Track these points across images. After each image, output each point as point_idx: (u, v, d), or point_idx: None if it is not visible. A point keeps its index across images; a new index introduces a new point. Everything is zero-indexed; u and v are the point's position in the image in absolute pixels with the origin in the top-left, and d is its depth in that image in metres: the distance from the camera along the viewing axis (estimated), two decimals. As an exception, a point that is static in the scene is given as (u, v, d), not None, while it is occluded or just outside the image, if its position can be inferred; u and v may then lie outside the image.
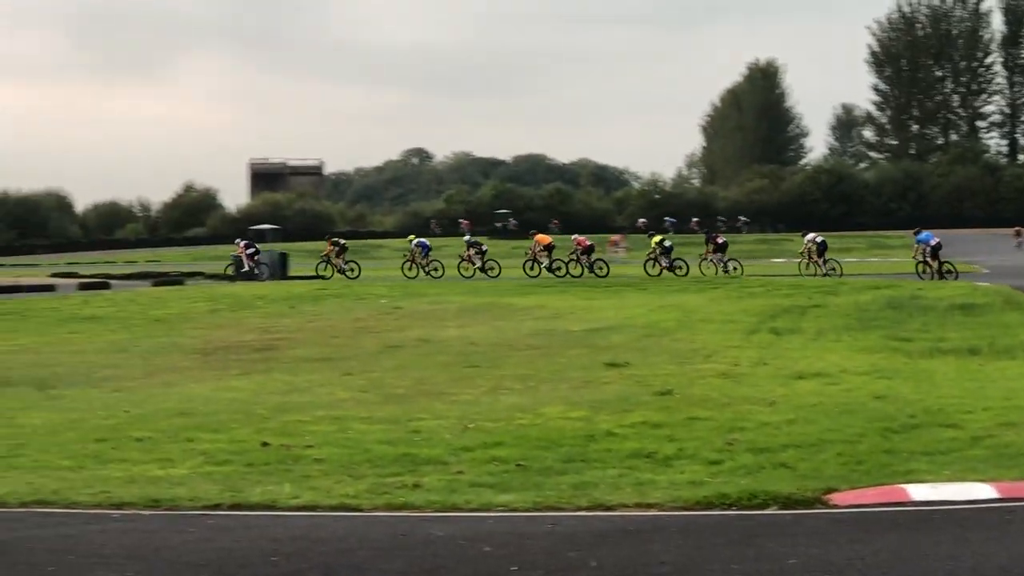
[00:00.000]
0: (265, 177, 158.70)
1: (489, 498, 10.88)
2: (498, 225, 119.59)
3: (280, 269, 55.49)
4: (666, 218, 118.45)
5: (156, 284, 51.68)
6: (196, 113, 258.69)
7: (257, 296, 39.23)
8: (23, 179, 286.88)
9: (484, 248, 55.66)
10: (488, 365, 21.42)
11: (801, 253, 50.09)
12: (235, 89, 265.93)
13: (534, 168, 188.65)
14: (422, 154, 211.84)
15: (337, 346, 25.45)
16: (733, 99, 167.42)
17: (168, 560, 8.94)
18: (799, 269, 48.92)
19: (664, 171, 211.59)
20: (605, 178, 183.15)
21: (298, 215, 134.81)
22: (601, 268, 52.04)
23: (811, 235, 50.44)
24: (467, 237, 60.30)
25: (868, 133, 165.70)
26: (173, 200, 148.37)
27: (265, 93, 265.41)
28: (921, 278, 44.89)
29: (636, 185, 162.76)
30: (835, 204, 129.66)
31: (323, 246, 57.42)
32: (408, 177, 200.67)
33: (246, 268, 54.88)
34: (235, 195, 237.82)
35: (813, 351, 22.57)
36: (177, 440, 13.98)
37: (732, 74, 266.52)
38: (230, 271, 55.72)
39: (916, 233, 48.24)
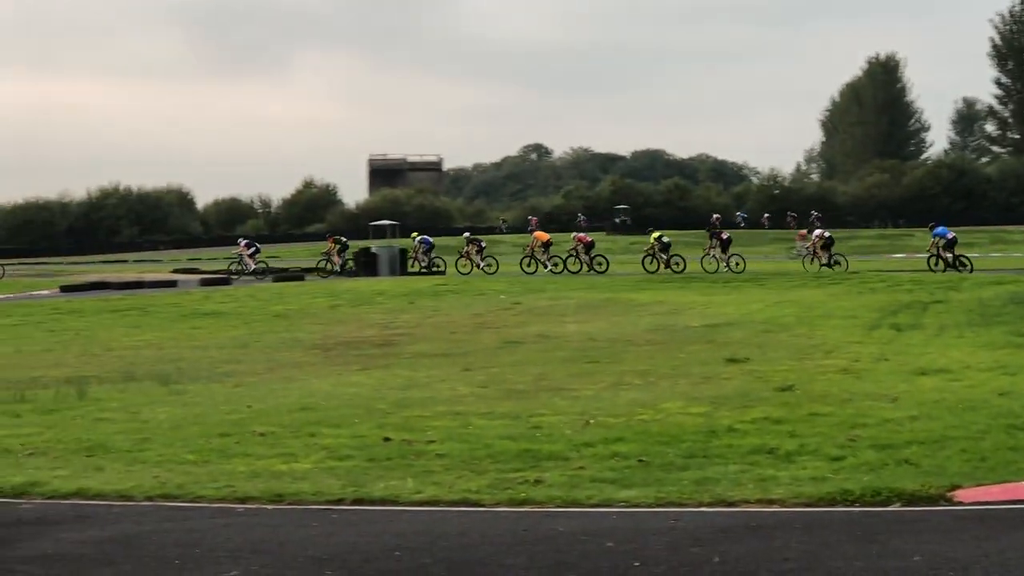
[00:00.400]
0: (384, 173, 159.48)
1: (610, 494, 10.85)
2: (616, 221, 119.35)
3: (399, 265, 55.81)
4: (788, 213, 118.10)
5: (276, 280, 52.11)
6: (316, 109, 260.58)
7: (377, 292, 39.51)
8: (146, 176, 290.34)
9: (483, 244, 57.64)
10: (608, 360, 21.39)
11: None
12: (355, 86, 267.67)
13: (652, 163, 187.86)
14: (540, 150, 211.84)
15: (457, 342, 25.53)
16: (853, 94, 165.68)
17: (292, 554, 9.00)
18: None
19: (783, 166, 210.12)
20: (724, 173, 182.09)
21: (417, 211, 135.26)
22: (600, 264, 53.87)
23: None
24: (466, 234, 61.37)
25: (990, 127, 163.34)
26: (293, 196, 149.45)
27: (385, 89, 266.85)
28: (933, 271, 46.50)
29: (755, 180, 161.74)
30: (956, 199, 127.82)
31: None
32: (526, 173, 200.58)
33: (252, 268, 58.01)
34: (354, 191, 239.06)
35: (935, 347, 22.30)
36: (299, 435, 14.08)
37: (851, 68, 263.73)
38: (233, 268, 58.79)
39: (932, 228, 49.78)
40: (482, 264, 55.76)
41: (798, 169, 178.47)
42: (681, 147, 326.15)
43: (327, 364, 22.17)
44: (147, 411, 16.29)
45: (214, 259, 77.01)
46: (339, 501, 10.80)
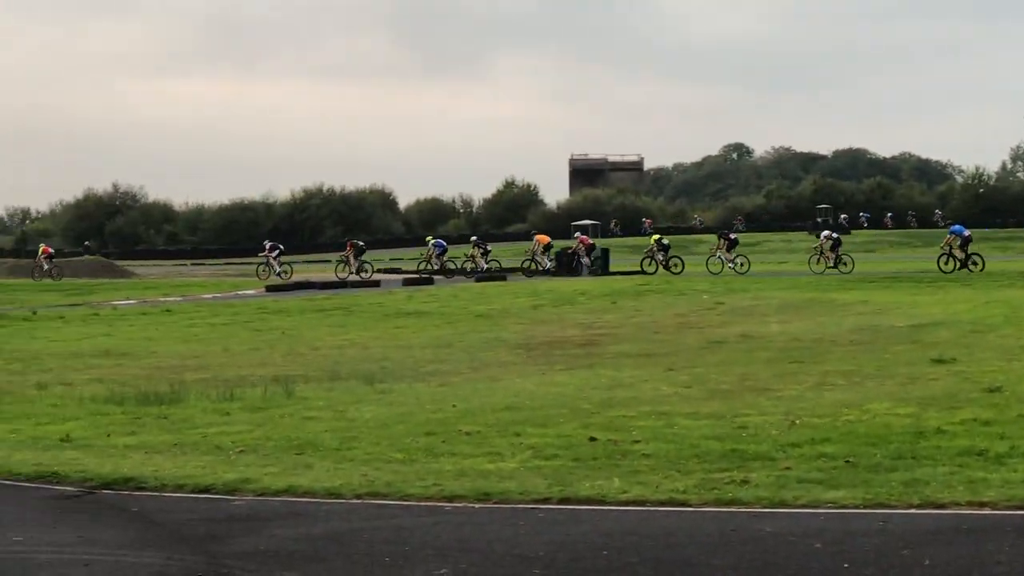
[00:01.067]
0: (585, 173, 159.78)
1: (817, 495, 10.73)
2: (819, 220, 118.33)
3: (602, 265, 55.89)
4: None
5: (479, 280, 52.46)
6: (517, 109, 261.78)
7: (579, 292, 39.58)
8: (350, 176, 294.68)
9: (488, 248, 60.93)
10: (811, 361, 21.17)
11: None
12: (555, 85, 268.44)
13: (854, 162, 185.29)
14: (741, 149, 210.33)
15: (659, 342, 25.47)
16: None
17: (500, 553, 9.05)
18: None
19: (989, 164, 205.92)
20: (927, 172, 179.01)
21: (618, 211, 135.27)
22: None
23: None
24: (474, 237, 65.82)
25: None
26: (494, 196, 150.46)
27: (585, 89, 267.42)
28: (942, 270, 48.68)
29: (959, 179, 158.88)
30: None
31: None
32: (727, 172, 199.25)
33: (278, 271, 61.08)
34: (555, 191, 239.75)
35: None
36: (505, 434, 14.14)
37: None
38: (261, 272, 61.54)
39: (949, 225, 52.42)
40: (486, 265, 59.89)
41: (1004, 167, 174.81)
42: (883, 146, 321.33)
43: (530, 364, 22.26)
44: (353, 410, 16.49)
45: (416, 258, 77.69)
46: (545, 500, 10.83)
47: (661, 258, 56.11)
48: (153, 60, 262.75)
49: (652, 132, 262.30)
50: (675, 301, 35.77)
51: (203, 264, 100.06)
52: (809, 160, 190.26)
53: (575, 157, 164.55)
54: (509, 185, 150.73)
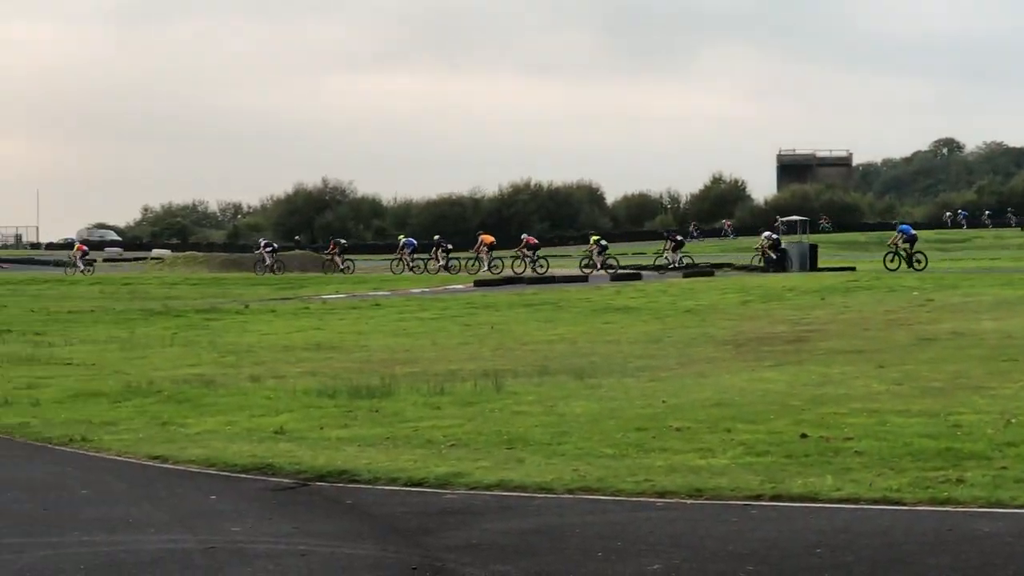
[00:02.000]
0: (792, 168, 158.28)
1: (1037, 495, 10.51)
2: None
3: (809, 261, 55.41)
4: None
5: (686, 275, 52.27)
6: (723, 104, 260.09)
7: (787, 288, 39.23)
8: (557, 171, 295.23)
9: (450, 247, 65.92)
10: (1028, 359, 20.72)
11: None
12: (762, 80, 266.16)
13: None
14: (951, 144, 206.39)
15: (869, 338, 25.14)
16: None
17: (712, 549, 9.02)
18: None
19: None
20: None
21: (826, 206, 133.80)
22: (542, 266, 61.23)
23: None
24: (436, 236, 70.68)
25: None
26: (701, 192, 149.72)
27: (792, 84, 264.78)
28: (888, 268, 51.58)
29: None
30: None
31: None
32: (937, 168, 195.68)
33: (267, 263, 67.20)
34: (762, 186, 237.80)
35: None
36: (715, 430, 14.07)
37: None
38: (259, 270, 67.12)
39: (897, 225, 59.40)
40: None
41: None
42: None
43: (739, 360, 22.12)
44: (563, 405, 16.53)
45: (623, 254, 77.68)
46: (757, 497, 10.75)
47: (599, 260, 60.96)
48: (361, 57, 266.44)
49: (860, 127, 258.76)
50: (884, 298, 35.26)
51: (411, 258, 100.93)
52: (1022, 155, 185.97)
53: (783, 152, 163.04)
54: (716, 181, 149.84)
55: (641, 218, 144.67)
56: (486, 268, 62.48)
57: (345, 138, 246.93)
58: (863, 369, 20.00)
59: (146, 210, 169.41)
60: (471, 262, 65.30)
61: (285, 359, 23.92)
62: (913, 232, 54.87)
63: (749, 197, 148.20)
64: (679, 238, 63.91)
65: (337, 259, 68.70)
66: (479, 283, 51.67)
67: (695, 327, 28.90)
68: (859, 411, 15.25)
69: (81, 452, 14.38)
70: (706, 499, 10.79)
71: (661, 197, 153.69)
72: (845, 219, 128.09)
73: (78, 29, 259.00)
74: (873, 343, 24.12)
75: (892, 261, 52.48)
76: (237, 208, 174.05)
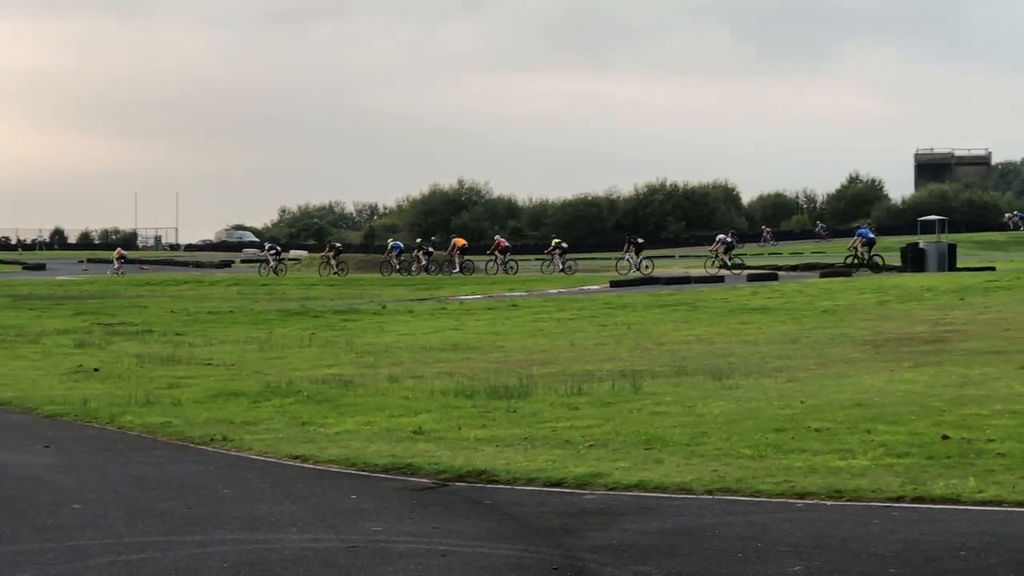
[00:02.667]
0: (930, 168, 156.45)
1: None
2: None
3: (948, 261, 54.77)
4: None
5: (823, 276, 51.83)
6: (861, 103, 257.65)
7: (925, 288, 38.76)
8: (692, 171, 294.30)
9: (431, 251, 71.68)
10: None
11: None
12: (902, 78, 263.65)
13: None
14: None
15: (1010, 339, 24.74)
16: None
17: (855, 551, 8.95)
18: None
19: None
20: None
21: (964, 206, 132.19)
22: (511, 268, 66.79)
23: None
24: (419, 240, 77.80)
25: None
26: (837, 191, 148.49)
27: (932, 82, 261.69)
28: (846, 265, 55.52)
29: None
30: None
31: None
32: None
33: (271, 264, 73.33)
34: (900, 186, 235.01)
35: None
36: (855, 431, 13.94)
37: None
38: (262, 271, 72.55)
39: (858, 228, 62.54)
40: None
41: None
42: None
43: (878, 360, 21.88)
44: (701, 405, 16.46)
45: (759, 254, 77.30)
46: (899, 499, 10.66)
47: (560, 263, 66.97)
48: (498, 58, 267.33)
49: (999, 126, 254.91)
50: (1028, 297, 34.73)
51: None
52: None
53: (920, 151, 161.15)
54: (853, 180, 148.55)
55: (777, 218, 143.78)
56: (457, 270, 67.60)
57: (481, 139, 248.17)
58: (1004, 370, 19.70)
59: (283, 211, 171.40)
60: (444, 264, 70.41)
61: (423, 359, 24.04)
62: (871, 236, 59.80)
63: (886, 196, 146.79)
64: (640, 241, 67.89)
65: (332, 261, 72.82)
66: (615, 283, 51.66)
67: (833, 327, 28.63)
68: (1001, 412, 15.04)
69: (222, 451, 14.57)
70: (846, 501, 10.72)
71: (797, 197, 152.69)
72: (984, 219, 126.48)
73: (219, 32, 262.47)
74: (1015, 343, 23.74)
75: (852, 261, 57.28)
76: (373, 209, 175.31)
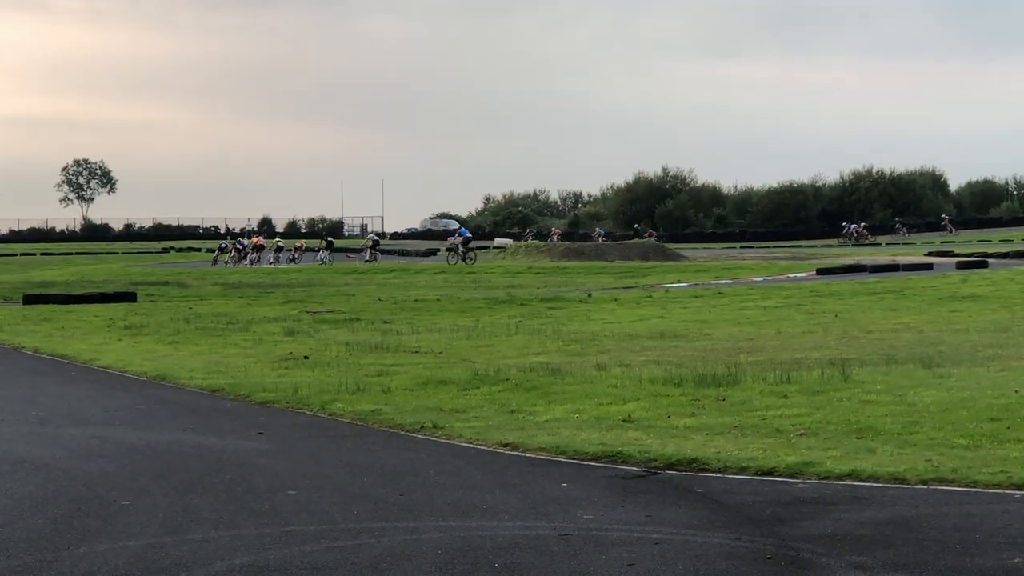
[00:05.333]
0: None
1: None
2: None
3: None
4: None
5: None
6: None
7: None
8: (899, 158, 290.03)
9: (378, 240, 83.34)
10: None
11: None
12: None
13: None
14: None
15: None
16: None
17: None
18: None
19: None
20: None
21: None
22: (471, 259, 70.72)
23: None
24: (371, 231, 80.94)
25: None
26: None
27: None
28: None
29: None
30: None
31: None
32: None
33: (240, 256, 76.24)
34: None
35: None
36: (1074, 423, 13.65)
37: None
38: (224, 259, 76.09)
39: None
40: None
41: None
42: None
43: (1095, 349, 21.39)
44: (912, 394, 16.21)
45: (968, 241, 75.97)
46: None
47: (462, 251, 71.68)
48: (700, 43, 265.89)
49: None
50: None
51: (751, 247, 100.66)
52: None
53: None
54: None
55: (986, 205, 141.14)
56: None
57: (686, 126, 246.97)
58: None
59: (488, 199, 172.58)
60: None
61: (629, 347, 24.02)
62: (863, 225, 61.97)
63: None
64: (468, 235, 76.27)
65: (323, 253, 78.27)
66: (821, 271, 51.12)
67: (1054, 315, 28.04)
68: None
69: (432, 439, 14.70)
70: (1068, 493, 10.50)
71: (1007, 183, 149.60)
72: None
73: (425, 20, 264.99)
74: None
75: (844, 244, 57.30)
76: (577, 197, 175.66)
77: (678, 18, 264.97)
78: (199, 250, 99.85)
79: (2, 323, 32.76)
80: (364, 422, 16.06)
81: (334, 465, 12.98)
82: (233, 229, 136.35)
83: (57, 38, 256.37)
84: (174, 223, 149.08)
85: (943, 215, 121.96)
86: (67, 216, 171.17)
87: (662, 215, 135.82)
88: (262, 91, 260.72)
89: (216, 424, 16.15)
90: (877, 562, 8.52)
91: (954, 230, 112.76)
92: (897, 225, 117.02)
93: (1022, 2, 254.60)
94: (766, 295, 37.51)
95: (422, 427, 15.29)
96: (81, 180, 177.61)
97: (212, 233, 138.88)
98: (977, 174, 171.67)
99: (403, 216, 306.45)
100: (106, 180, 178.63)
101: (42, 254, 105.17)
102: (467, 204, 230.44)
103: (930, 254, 67.57)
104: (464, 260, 70.46)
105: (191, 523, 10.20)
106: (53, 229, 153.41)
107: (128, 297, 41.08)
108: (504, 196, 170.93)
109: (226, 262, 75.54)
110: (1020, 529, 9.25)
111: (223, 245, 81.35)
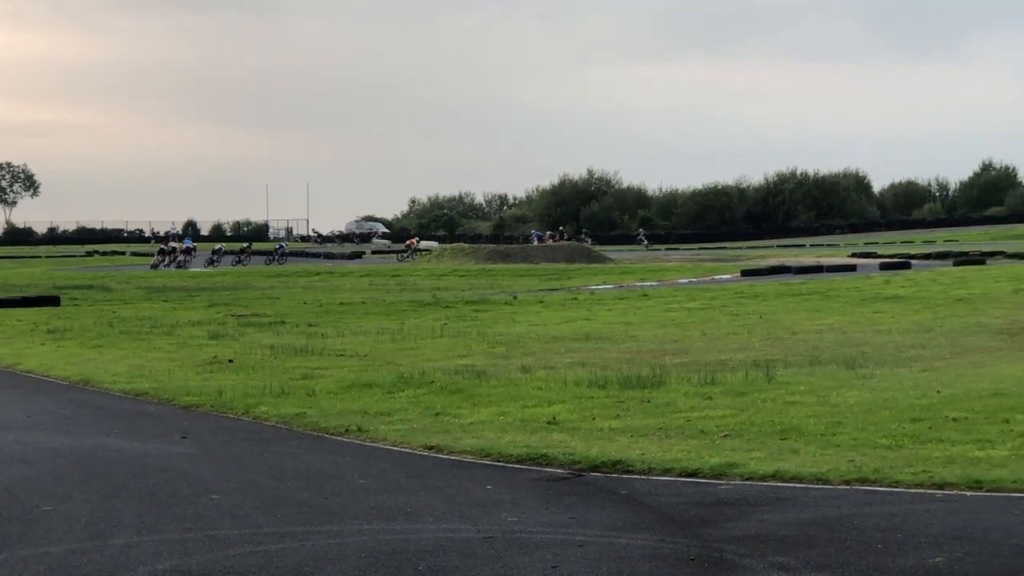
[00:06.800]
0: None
1: None
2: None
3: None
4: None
5: (957, 264, 51.27)
6: (995, 89, 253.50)
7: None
8: (822, 160, 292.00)
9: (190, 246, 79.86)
10: None
11: None
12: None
13: None
14: None
15: None
16: None
17: (996, 543, 8.84)
18: None
19: None
20: None
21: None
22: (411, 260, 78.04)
23: None
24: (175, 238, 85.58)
25: None
26: (970, 179, 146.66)
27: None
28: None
29: None
30: None
31: None
32: None
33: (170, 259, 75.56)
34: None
35: None
36: (993, 421, 13.77)
37: None
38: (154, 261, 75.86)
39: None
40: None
41: None
42: None
43: (1015, 349, 21.59)
44: (836, 395, 16.32)
45: (891, 243, 76.60)
46: (1039, 490, 10.52)
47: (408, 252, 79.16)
48: (626, 47, 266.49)
49: None
50: None
51: (677, 249, 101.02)
52: None
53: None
54: (987, 167, 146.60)
55: (909, 206, 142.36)
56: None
57: (610, 128, 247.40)
58: None
59: (413, 202, 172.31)
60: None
61: (554, 349, 24.05)
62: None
63: (1020, 183, 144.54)
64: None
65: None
66: (746, 273, 51.40)
67: (967, 316, 28.30)
68: None
69: (357, 442, 14.66)
70: (987, 491, 10.60)
71: (929, 185, 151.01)
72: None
73: (351, 22, 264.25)
74: None
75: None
76: (503, 199, 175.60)
77: (604, 20, 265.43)
78: (123, 253, 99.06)
79: (-78, 327, 32.41)
80: (289, 425, 16.00)
81: (258, 469, 12.91)
82: (158, 232, 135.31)
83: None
84: (98, 227, 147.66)
85: (639, 229, 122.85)
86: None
87: (587, 217, 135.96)
88: (187, 93, 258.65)
89: (140, 428, 16.03)
90: (800, 562, 8.56)
91: (647, 244, 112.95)
92: (640, 236, 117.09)
93: (944, 6, 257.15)
94: (691, 297, 37.66)
95: (347, 430, 15.25)
96: (3, 183, 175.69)
97: (137, 236, 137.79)
98: (900, 176, 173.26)
99: (329, 219, 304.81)
100: (29, 183, 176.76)
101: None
102: (393, 207, 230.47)
103: (854, 255, 68.06)
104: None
105: (114, 528, 10.11)
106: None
107: (51, 301, 40.66)
108: (429, 199, 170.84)
109: (154, 265, 75.01)
110: (941, 528, 9.32)
111: (164, 248, 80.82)
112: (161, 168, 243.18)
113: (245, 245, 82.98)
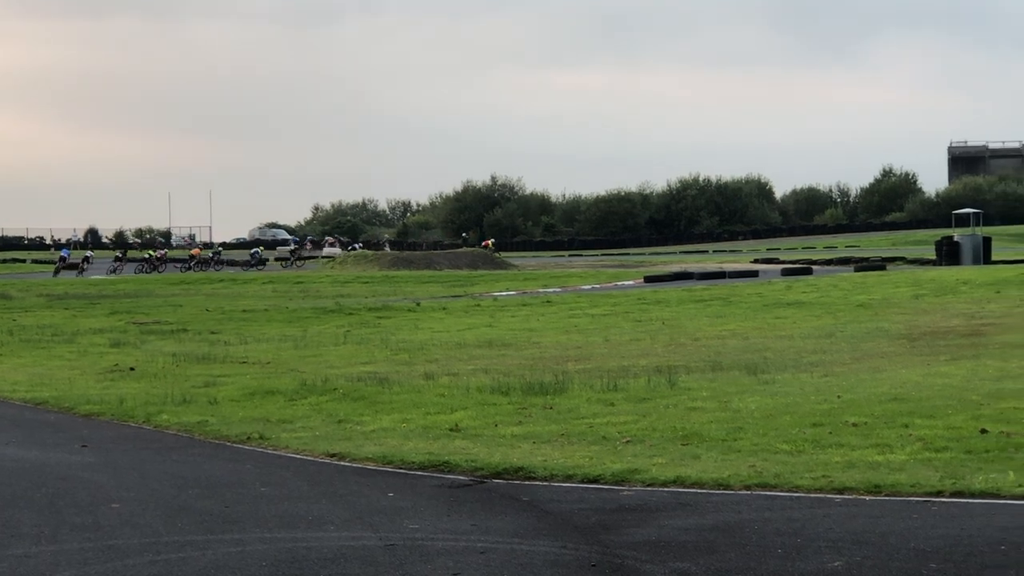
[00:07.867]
0: (964, 161, 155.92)
1: None
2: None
3: (983, 254, 54.61)
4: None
5: (857, 270, 51.77)
6: (895, 96, 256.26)
7: (961, 281, 38.69)
8: (725, 165, 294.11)
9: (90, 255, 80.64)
10: None
11: None
12: (936, 71, 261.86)
13: None
14: None
15: (1050, 331, 24.65)
16: None
17: (895, 546, 8.92)
18: None
19: None
20: None
21: (999, 199, 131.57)
22: (299, 265, 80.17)
23: None
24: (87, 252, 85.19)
25: None
26: (871, 185, 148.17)
27: (968, 74, 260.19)
28: None
29: None
30: None
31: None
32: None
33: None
34: (934, 179, 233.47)
35: None
36: (892, 426, 13.90)
37: None
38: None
39: None
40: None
41: None
42: None
43: (914, 354, 21.82)
44: (737, 400, 16.43)
45: (793, 249, 77.23)
46: (938, 493, 10.62)
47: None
48: (530, 53, 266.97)
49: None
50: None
51: (580, 255, 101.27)
52: None
53: (954, 144, 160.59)
54: (887, 174, 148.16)
55: (811, 212, 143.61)
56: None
57: (514, 135, 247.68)
58: (1044, 363, 19.60)
59: (317, 209, 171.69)
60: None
61: (458, 356, 24.06)
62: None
63: (920, 190, 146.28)
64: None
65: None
66: (649, 279, 51.62)
67: (868, 321, 28.59)
68: (1047, 405, 14.94)
69: (259, 450, 14.59)
70: (885, 495, 10.69)
71: (831, 191, 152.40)
72: (1019, 211, 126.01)
73: (249, 28, 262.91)
74: (1053, 337, 23.64)
75: None
76: (406, 206, 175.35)
77: (509, 27, 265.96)
78: (24, 261, 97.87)
79: None
80: (190, 433, 15.90)
81: (159, 477, 12.80)
82: (59, 240, 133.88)
83: None
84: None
85: (384, 237, 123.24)
86: None
87: (491, 223, 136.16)
88: (88, 100, 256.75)
89: (39, 437, 15.87)
90: (701, 568, 8.60)
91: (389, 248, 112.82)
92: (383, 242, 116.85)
93: (845, 13, 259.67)
94: (594, 303, 37.77)
95: (248, 438, 15.17)
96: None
97: (37, 244, 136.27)
98: (802, 182, 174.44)
99: (232, 226, 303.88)
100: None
101: None
102: (296, 214, 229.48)
103: (756, 261, 68.55)
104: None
105: (12, 538, 9.99)
106: None
107: (-51, 309, 40.22)
108: (333, 205, 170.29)
109: (57, 271, 74.12)
110: (841, 533, 9.39)
111: (88, 255, 79.92)
112: (62, 175, 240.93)
113: (162, 252, 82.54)
